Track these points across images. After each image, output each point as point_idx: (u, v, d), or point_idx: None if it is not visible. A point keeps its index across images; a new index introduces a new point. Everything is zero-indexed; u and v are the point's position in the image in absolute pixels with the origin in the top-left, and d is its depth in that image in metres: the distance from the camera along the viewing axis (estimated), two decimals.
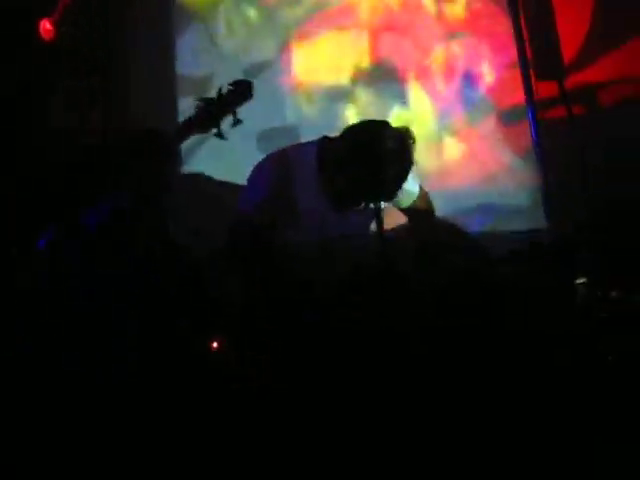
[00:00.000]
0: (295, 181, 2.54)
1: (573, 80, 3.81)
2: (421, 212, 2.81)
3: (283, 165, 2.56)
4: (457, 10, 3.98)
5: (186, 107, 3.53)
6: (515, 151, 3.93)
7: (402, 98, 3.87)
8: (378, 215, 2.56)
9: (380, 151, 2.42)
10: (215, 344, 2.45)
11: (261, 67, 3.78)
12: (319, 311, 2.38)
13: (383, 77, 3.82)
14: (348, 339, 2.34)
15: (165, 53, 3.69)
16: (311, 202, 2.55)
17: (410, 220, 2.84)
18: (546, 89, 3.89)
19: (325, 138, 2.62)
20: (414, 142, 2.47)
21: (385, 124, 2.50)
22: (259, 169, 2.64)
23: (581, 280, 2.79)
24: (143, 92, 3.50)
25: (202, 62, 3.73)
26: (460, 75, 3.95)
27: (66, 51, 2.35)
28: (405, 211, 2.82)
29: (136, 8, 3.44)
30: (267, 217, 2.49)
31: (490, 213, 3.87)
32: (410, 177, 2.63)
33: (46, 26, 2.26)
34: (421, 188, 2.79)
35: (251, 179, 2.64)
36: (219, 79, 3.60)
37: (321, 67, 3.85)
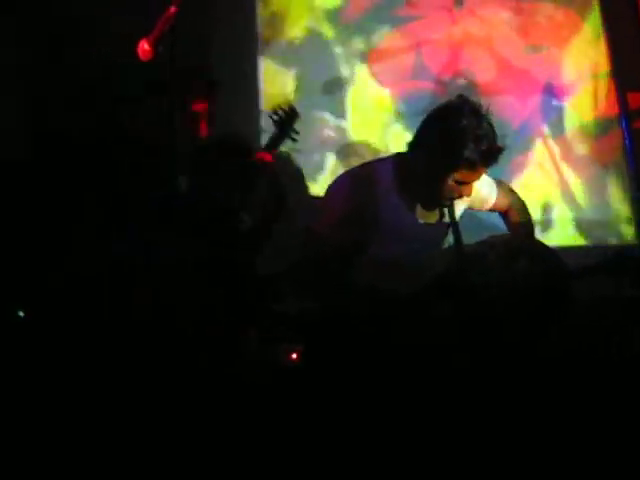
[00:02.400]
0: (372, 200, 2.49)
1: None
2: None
3: (358, 185, 2.51)
4: (538, 21, 3.95)
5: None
6: (599, 163, 3.88)
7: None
8: (455, 225, 2.57)
9: (457, 126, 2.36)
10: (294, 355, 2.48)
11: (338, 83, 3.82)
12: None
13: (463, 91, 3.81)
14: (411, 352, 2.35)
15: (249, 71, 3.79)
16: (390, 220, 2.51)
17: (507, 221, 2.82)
18: (634, 100, 3.83)
19: (399, 154, 2.59)
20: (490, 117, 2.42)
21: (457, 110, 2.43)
22: (333, 190, 2.60)
23: None
24: (230, 110, 3.59)
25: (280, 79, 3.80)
26: (542, 87, 3.91)
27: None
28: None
29: (222, 27, 3.53)
30: (344, 238, 2.44)
31: (569, 227, 3.82)
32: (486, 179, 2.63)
33: (144, 47, 2.29)
34: (501, 183, 2.77)
35: (326, 200, 2.61)
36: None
37: (398, 80, 3.87)
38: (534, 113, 3.90)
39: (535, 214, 3.67)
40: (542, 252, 2.73)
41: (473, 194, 2.56)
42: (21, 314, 2.58)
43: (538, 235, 2.99)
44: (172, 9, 2.29)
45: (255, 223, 2.78)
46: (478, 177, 2.49)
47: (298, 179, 3.59)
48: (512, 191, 2.83)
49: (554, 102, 3.90)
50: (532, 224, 2.83)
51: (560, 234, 3.81)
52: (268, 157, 2.86)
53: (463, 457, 2.23)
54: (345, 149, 3.82)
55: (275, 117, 2.91)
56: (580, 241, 3.81)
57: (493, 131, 2.42)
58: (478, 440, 2.26)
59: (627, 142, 3.80)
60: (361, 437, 2.27)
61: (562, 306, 2.55)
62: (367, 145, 3.83)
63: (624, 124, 3.81)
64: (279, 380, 2.46)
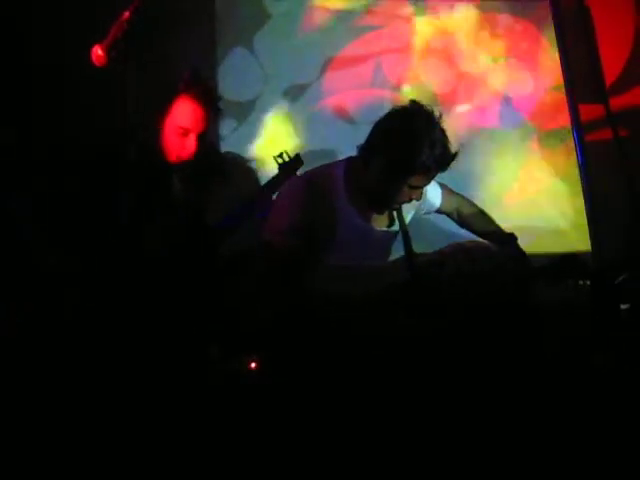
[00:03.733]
0: (322, 205, 2.50)
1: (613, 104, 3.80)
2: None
3: (308, 190, 2.52)
4: (498, 33, 4.00)
5: (229, 131, 3.67)
6: (556, 174, 3.93)
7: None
8: (404, 230, 2.58)
9: (411, 131, 2.39)
10: (254, 364, 2.46)
11: (302, 89, 3.82)
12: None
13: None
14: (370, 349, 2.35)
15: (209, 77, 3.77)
16: (340, 224, 2.52)
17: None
18: (586, 112, 3.89)
19: (350, 158, 2.59)
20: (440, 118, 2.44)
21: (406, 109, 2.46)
22: (284, 196, 2.61)
23: (625, 306, 2.76)
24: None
25: (244, 85, 3.78)
26: (501, 99, 3.96)
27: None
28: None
29: (180, 35, 3.51)
30: (295, 244, 2.44)
31: (529, 235, 3.86)
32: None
33: (98, 52, 2.25)
34: (443, 186, 2.81)
35: (277, 205, 2.60)
36: (261, 102, 3.75)
37: (358, 89, 3.88)
38: (493, 123, 3.94)
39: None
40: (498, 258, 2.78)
41: (422, 198, 2.59)
42: None
43: None
44: (126, 14, 2.28)
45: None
46: (429, 182, 2.52)
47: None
48: (454, 191, 2.88)
49: (513, 113, 3.95)
50: (485, 213, 2.89)
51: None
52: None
53: (428, 454, 2.23)
54: None
55: (280, 160, 2.89)
56: (534, 249, 3.84)
57: (446, 136, 2.44)
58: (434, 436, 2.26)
59: (579, 153, 3.86)
60: (325, 436, 2.26)
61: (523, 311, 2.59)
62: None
63: (575, 136, 3.87)
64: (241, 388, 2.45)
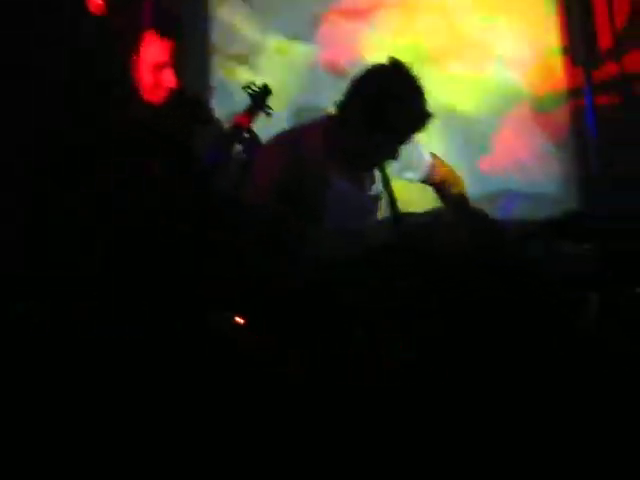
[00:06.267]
0: (301, 165, 2.44)
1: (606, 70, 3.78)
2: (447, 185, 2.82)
3: (287, 150, 2.46)
4: None
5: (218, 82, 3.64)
6: (548, 139, 3.93)
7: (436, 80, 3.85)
8: (389, 191, 2.57)
9: (388, 88, 2.37)
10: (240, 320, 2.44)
11: (295, 44, 3.78)
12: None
13: (418, 58, 3.81)
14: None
15: (202, 28, 3.73)
16: (320, 186, 2.48)
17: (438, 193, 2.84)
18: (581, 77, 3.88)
19: (329, 116, 2.54)
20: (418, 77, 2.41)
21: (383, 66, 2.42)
22: (262, 156, 2.56)
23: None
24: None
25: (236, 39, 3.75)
26: (495, 59, 3.93)
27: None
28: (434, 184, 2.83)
29: None
30: (278, 204, 2.40)
31: (518, 200, 3.87)
32: (418, 146, 2.65)
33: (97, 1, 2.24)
34: (435, 156, 2.78)
35: (257, 164, 2.54)
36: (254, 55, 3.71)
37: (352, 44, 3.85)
38: (485, 84, 3.91)
39: (484, 185, 3.79)
40: (486, 222, 2.78)
41: (405, 161, 2.57)
42: None
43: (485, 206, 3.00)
44: None
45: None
46: (405, 142, 2.49)
47: None
48: (444, 163, 2.84)
49: (506, 74, 3.92)
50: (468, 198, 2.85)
51: (508, 206, 3.85)
52: (245, 120, 2.91)
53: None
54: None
55: (250, 90, 2.93)
56: (529, 214, 3.85)
57: (423, 96, 2.41)
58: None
59: (585, 120, 3.84)
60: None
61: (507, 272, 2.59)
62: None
63: (571, 102, 3.85)
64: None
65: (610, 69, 3.81)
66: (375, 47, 3.83)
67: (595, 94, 3.82)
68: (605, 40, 3.82)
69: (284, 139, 2.55)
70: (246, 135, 2.94)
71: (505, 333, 2.36)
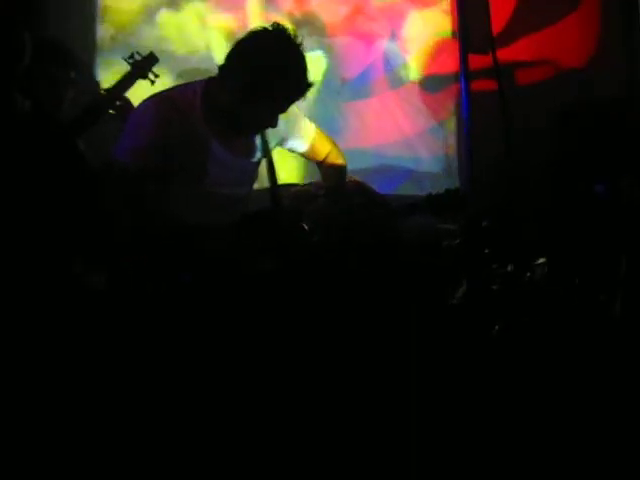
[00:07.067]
0: (176, 127, 2.39)
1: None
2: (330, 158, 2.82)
3: (162, 110, 2.40)
4: None
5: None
6: (433, 118, 4.01)
7: (325, 52, 3.87)
8: (269, 158, 2.57)
9: (268, 54, 2.35)
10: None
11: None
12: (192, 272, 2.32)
13: (309, 31, 3.80)
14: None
15: None
16: (195, 149, 2.44)
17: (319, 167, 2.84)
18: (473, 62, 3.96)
19: (209, 78, 2.50)
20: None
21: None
22: (136, 115, 2.48)
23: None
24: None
25: None
26: (387, 36, 3.97)
27: None
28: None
29: None
30: (149, 165, 2.34)
31: (401, 176, 3.95)
32: (301, 116, 2.65)
33: None
34: (320, 130, 2.77)
35: (131, 124, 2.46)
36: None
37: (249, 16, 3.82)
38: (377, 61, 3.95)
39: (370, 161, 3.84)
40: (371, 194, 2.82)
41: (286, 130, 2.58)
42: None
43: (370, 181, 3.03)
44: None
45: None
46: (284, 109, 2.48)
47: None
48: (326, 137, 2.83)
49: (397, 53, 3.97)
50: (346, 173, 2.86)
51: (392, 182, 3.92)
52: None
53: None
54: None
55: (131, 60, 2.86)
56: (412, 191, 3.93)
57: (304, 64, 2.41)
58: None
59: (464, 101, 3.94)
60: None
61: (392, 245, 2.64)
62: None
63: (462, 84, 3.94)
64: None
65: (499, 55, 3.90)
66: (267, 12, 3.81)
67: (477, 79, 3.92)
68: (496, 26, 3.90)
69: (159, 100, 2.48)
70: (118, 103, 2.92)
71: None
